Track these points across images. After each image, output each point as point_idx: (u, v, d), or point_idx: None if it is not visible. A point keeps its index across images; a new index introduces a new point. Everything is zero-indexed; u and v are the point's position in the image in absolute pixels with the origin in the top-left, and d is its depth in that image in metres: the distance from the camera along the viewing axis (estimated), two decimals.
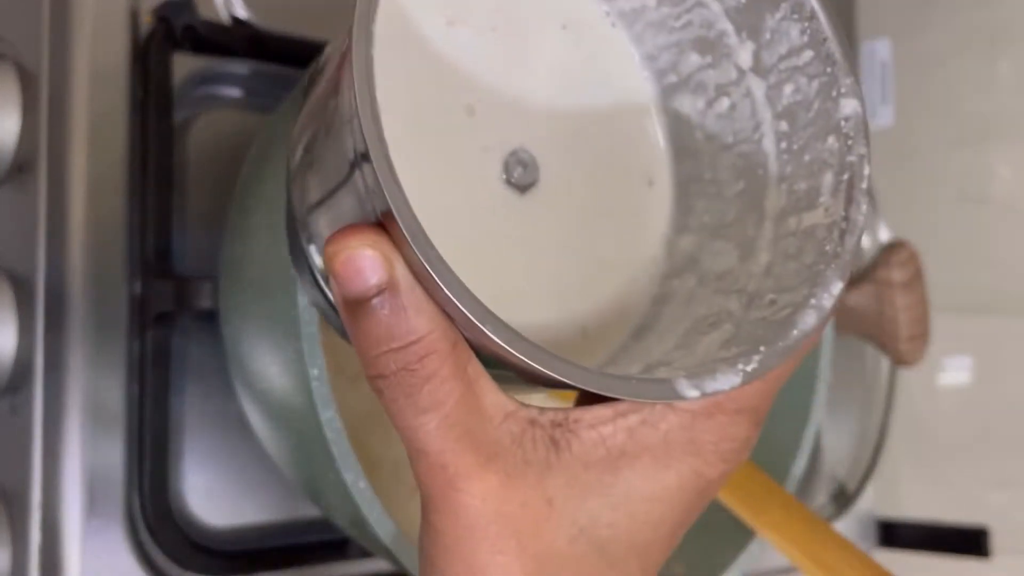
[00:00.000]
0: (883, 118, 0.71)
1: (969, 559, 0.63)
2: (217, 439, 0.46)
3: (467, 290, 0.20)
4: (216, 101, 0.48)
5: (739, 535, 0.42)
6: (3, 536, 0.42)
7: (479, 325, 0.20)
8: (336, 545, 0.47)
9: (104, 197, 0.43)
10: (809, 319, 0.23)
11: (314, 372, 0.32)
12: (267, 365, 0.37)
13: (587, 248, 0.28)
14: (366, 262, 0.20)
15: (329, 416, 0.32)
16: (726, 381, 0.22)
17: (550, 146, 0.27)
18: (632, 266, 0.28)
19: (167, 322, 0.44)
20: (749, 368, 0.22)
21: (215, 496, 0.46)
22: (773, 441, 0.46)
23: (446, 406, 0.21)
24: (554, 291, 0.27)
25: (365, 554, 0.48)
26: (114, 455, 0.43)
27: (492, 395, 0.22)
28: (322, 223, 0.23)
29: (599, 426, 0.22)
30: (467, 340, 0.21)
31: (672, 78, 0.29)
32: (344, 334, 0.23)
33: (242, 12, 0.48)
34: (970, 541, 0.63)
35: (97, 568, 0.42)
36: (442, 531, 0.22)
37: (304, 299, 0.32)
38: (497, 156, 0.26)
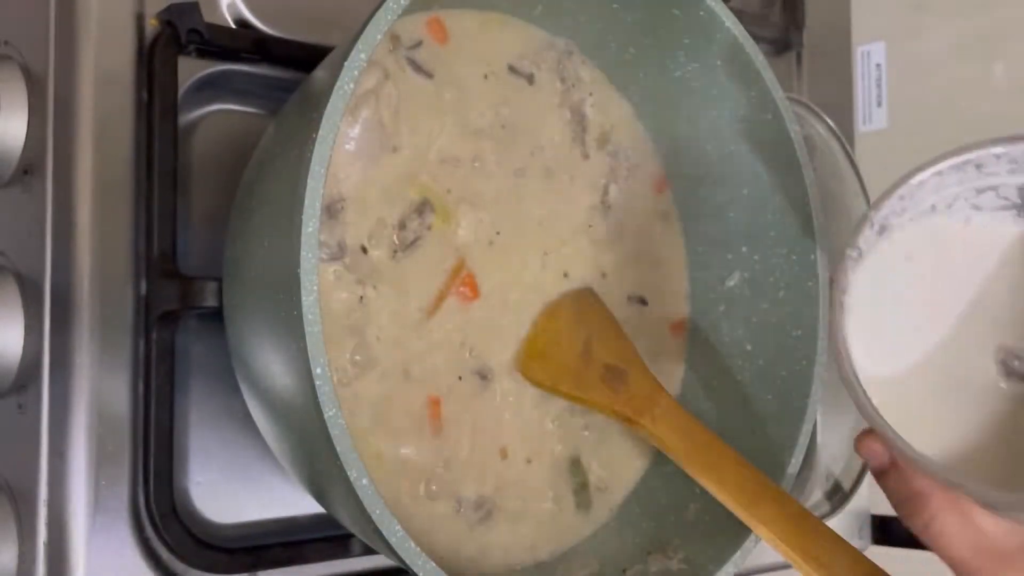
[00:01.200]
0: (877, 121, 0.72)
1: None
2: (221, 437, 0.47)
3: (938, 467, 0.32)
4: (220, 104, 0.49)
5: (736, 531, 0.43)
6: (10, 533, 0.43)
7: (953, 487, 0.32)
8: (340, 542, 0.47)
9: (110, 198, 0.44)
10: None
11: (317, 371, 0.32)
12: (270, 363, 0.38)
13: None
14: (873, 455, 0.37)
15: (332, 414, 0.32)
16: None
17: None
18: None
19: (172, 321, 0.44)
20: None
21: (220, 493, 0.47)
22: (769, 438, 0.46)
23: (949, 532, 0.32)
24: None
25: (368, 551, 0.48)
26: (120, 453, 0.43)
27: (987, 520, 0.32)
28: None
29: None
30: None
31: None
32: None
33: (246, 16, 0.49)
34: None
35: (103, 564, 0.42)
36: None
37: (309, 298, 0.32)
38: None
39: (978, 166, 0.37)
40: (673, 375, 0.52)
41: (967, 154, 0.36)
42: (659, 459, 0.50)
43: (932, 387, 0.36)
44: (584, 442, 0.49)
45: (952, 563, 0.33)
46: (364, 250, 0.42)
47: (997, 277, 0.37)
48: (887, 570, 0.38)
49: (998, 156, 0.36)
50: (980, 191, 0.38)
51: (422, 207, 0.44)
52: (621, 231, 0.51)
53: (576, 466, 0.48)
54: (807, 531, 0.40)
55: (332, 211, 0.42)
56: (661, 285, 0.53)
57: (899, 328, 0.37)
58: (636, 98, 0.52)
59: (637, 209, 0.52)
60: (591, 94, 0.51)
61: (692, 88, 0.49)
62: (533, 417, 0.47)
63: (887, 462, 0.35)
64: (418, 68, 0.45)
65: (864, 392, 0.35)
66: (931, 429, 0.34)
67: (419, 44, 0.45)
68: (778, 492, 0.42)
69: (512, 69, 0.48)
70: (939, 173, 0.37)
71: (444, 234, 0.45)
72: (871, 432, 0.36)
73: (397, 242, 0.43)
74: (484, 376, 0.46)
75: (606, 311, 0.49)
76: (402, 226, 0.44)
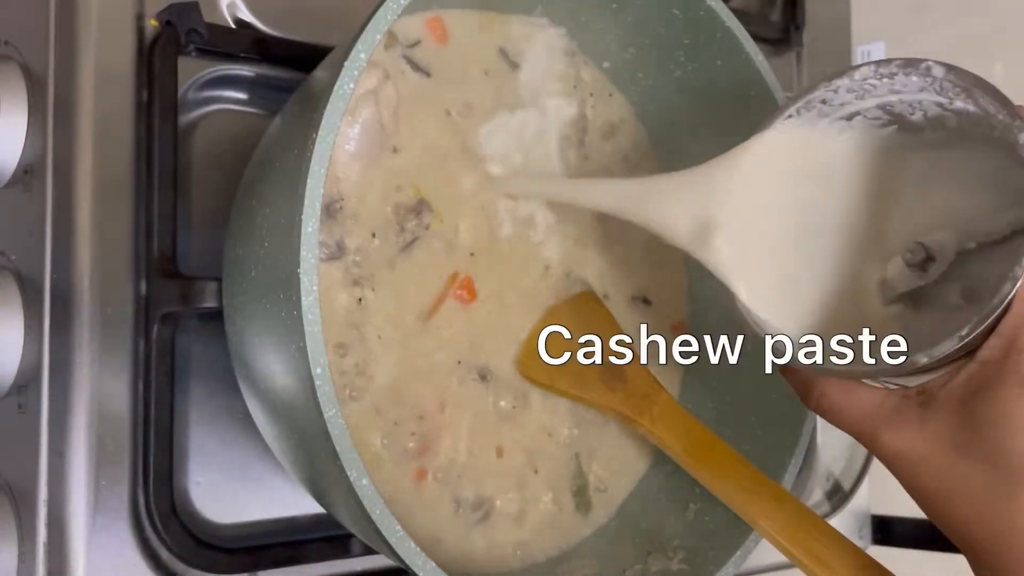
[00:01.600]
0: None
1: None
2: (221, 437, 0.47)
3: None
4: (220, 103, 0.49)
5: (736, 531, 0.43)
6: (10, 533, 0.43)
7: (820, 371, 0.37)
8: (340, 542, 0.47)
9: (110, 198, 0.44)
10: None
11: (317, 371, 0.32)
12: (270, 364, 0.38)
13: None
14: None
15: (332, 414, 0.33)
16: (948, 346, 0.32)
17: None
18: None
19: (172, 321, 0.44)
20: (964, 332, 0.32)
21: (219, 493, 0.47)
22: (769, 438, 0.46)
23: (835, 404, 0.37)
24: None
25: (368, 551, 0.48)
26: (120, 453, 0.43)
27: (865, 391, 0.36)
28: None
29: (946, 385, 0.34)
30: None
31: None
32: None
33: (246, 16, 0.49)
34: None
35: (103, 564, 0.42)
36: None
37: (309, 298, 0.33)
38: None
39: (823, 101, 0.38)
40: (673, 375, 0.52)
41: (808, 95, 0.38)
42: (659, 459, 0.50)
43: (802, 281, 0.40)
44: (584, 442, 0.49)
45: (844, 429, 0.37)
46: (363, 250, 0.42)
47: (863, 183, 0.40)
48: (885, 567, 0.38)
49: (835, 90, 0.38)
50: (848, 118, 0.39)
51: (420, 207, 0.44)
52: (622, 232, 0.51)
53: (576, 466, 0.49)
54: (807, 528, 0.40)
55: (332, 211, 0.42)
56: (662, 285, 0.53)
57: (779, 230, 0.40)
58: (636, 98, 0.52)
59: None
60: (591, 94, 0.51)
61: (692, 88, 0.49)
62: (533, 417, 0.47)
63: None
64: (416, 67, 0.45)
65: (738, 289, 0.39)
66: (802, 322, 0.39)
67: (417, 43, 0.45)
68: (777, 490, 0.42)
69: (512, 66, 0.48)
70: (790, 116, 0.39)
71: (442, 234, 0.45)
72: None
73: (396, 242, 0.43)
74: (484, 376, 0.46)
75: (605, 311, 0.49)
76: (401, 227, 0.44)
